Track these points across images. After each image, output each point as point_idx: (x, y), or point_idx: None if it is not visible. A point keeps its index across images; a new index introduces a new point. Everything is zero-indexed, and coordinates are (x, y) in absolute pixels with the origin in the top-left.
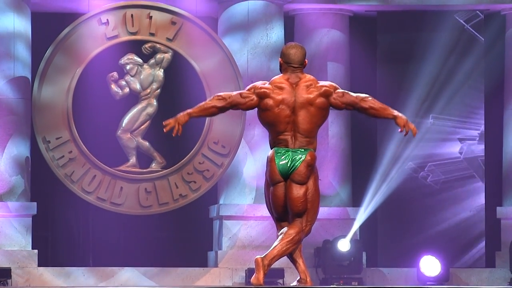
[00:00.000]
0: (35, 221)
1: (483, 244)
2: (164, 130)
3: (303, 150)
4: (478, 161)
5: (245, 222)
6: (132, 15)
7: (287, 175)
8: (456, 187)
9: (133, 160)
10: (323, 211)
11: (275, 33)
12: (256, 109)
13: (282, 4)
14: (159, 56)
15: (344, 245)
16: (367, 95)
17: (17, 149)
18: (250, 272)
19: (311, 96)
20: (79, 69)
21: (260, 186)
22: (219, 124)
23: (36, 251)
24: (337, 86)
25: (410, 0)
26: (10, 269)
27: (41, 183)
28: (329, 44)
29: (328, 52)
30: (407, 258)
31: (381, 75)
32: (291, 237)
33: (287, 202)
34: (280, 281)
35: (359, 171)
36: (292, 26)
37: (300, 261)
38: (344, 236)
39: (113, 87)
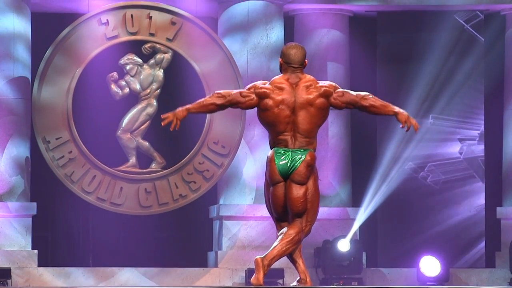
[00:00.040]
0: (35, 222)
1: (483, 244)
2: (162, 124)
3: (303, 150)
4: (478, 161)
5: (245, 222)
6: (132, 15)
7: (287, 175)
8: (456, 187)
9: (133, 160)
10: (323, 211)
11: (275, 33)
12: (256, 109)
13: (282, 4)
14: (159, 56)
15: (344, 245)
16: (367, 93)
17: (17, 149)
18: (250, 272)
19: (311, 96)
20: (79, 69)
21: (260, 186)
22: (219, 124)
23: (36, 251)
24: (336, 85)
25: (410, 0)
26: (10, 269)
27: (41, 183)
28: (329, 44)
29: (328, 52)
30: (407, 258)
31: (381, 75)
32: (291, 237)
33: (287, 202)
34: (280, 281)
35: (359, 171)
36: (292, 26)
37: (300, 261)
38: (344, 236)
39: (113, 87)
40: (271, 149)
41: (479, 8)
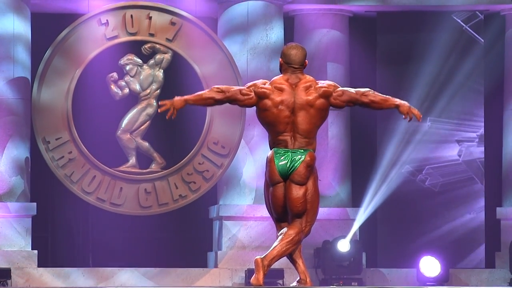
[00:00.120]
0: (35, 222)
1: (483, 244)
2: (159, 110)
3: (302, 150)
4: (477, 163)
5: (245, 223)
6: (131, 16)
7: (287, 176)
8: (455, 189)
9: (132, 160)
10: (323, 212)
11: (275, 34)
12: (255, 109)
13: (282, 4)
14: (158, 56)
15: (344, 245)
16: (367, 89)
17: (17, 149)
18: (250, 273)
19: (310, 97)
20: (79, 69)
21: (259, 186)
22: (219, 125)
23: (35, 251)
24: (336, 84)
25: (409, 0)
26: (10, 270)
27: (41, 184)
28: (328, 44)
29: (327, 52)
30: (407, 259)
31: (380, 75)
32: (291, 237)
33: (286, 203)
34: (280, 281)
35: (358, 171)
36: (291, 27)
37: (299, 262)
38: (344, 236)
39: (113, 87)
40: (270, 149)
41: (478, 9)
